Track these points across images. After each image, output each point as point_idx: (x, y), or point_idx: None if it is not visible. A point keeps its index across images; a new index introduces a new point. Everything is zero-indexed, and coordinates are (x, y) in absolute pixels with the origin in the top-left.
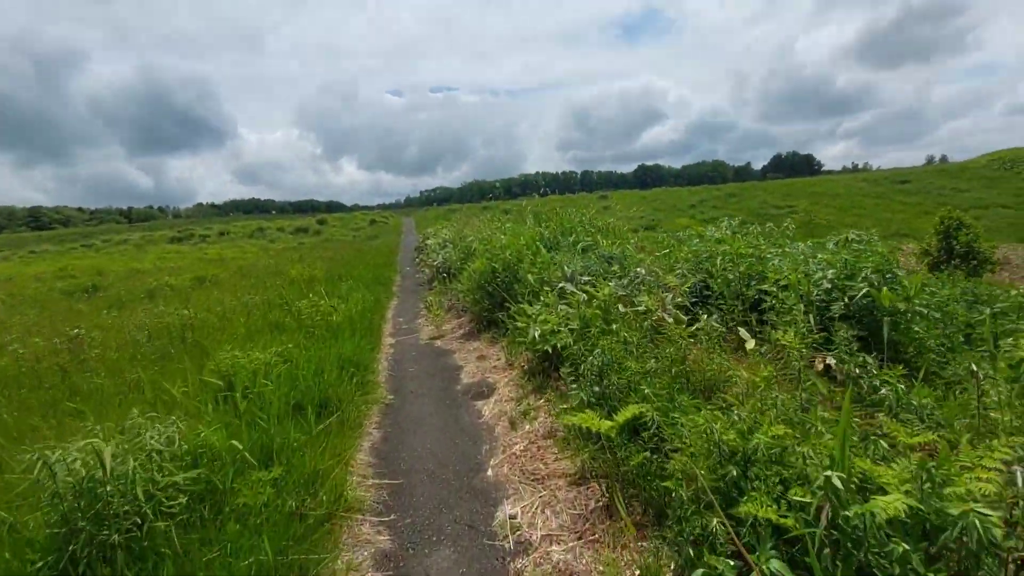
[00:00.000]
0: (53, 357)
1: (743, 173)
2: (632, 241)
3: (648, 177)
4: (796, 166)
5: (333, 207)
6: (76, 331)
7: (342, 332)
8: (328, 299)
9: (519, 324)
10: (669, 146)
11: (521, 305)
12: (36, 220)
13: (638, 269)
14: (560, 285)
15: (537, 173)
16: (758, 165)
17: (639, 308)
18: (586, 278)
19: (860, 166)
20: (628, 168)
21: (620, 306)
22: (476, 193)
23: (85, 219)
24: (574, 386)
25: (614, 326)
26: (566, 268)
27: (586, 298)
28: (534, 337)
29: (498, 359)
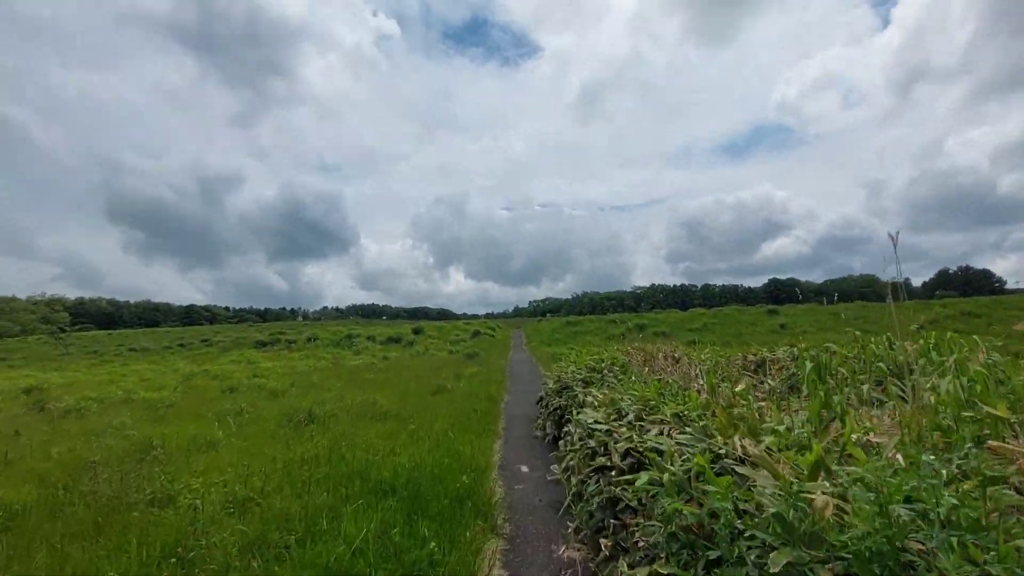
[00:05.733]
0: None
1: (900, 291)
2: None
3: (782, 292)
4: (973, 282)
5: (444, 315)
6: None
7: None
8: None
9: None
10: (798, 260)
11: None
12: (189, 316)
13: None
14: None
15: (653, 286)
16: (917, 281)
17: None
18: None
19: None
20: (754, 281)
21: None
22: (587, 305)
23: (229, 316)
24: None
25: None
26: None
27: None
28: None
29: None
